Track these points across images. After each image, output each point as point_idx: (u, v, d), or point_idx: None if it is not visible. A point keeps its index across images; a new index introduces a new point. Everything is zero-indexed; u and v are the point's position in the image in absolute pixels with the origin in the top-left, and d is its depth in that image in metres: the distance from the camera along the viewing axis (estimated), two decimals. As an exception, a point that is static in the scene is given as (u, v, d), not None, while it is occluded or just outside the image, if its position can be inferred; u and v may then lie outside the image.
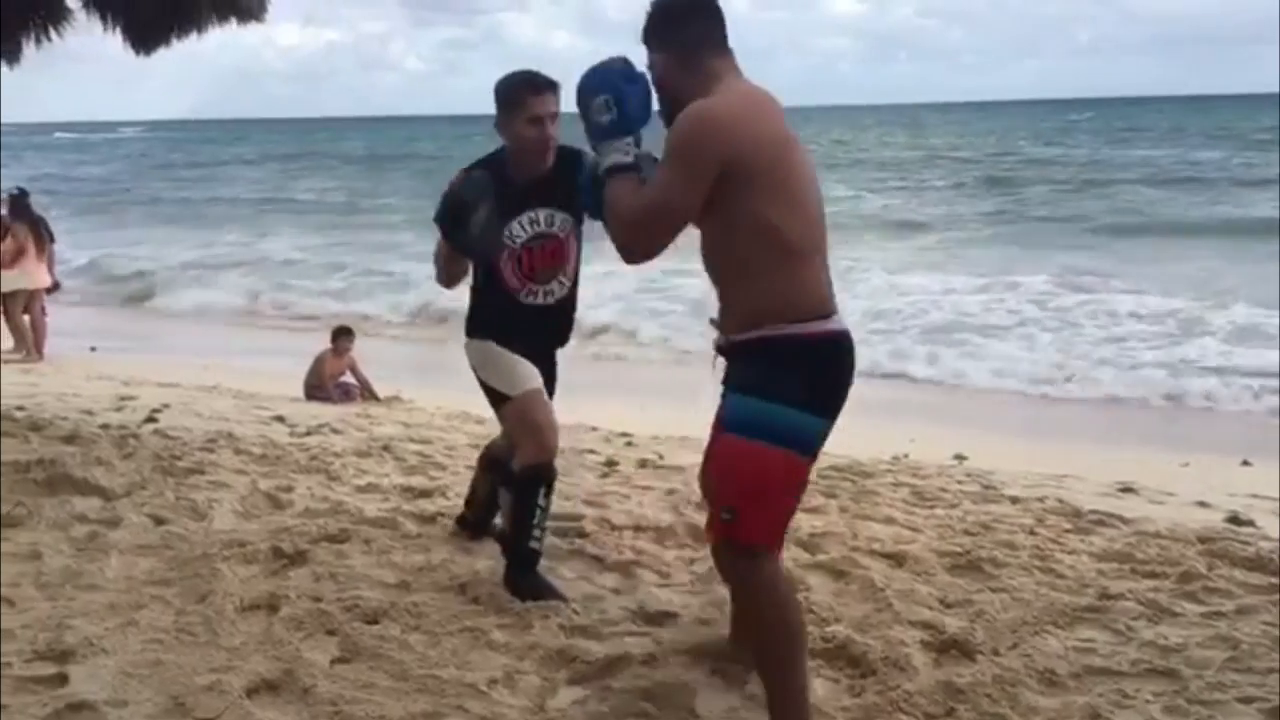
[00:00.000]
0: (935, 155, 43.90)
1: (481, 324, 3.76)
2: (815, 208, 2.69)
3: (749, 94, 2.70)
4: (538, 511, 3.65)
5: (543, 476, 3.65)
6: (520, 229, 3.63)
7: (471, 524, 4.28)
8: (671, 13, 2.75)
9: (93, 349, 12.28)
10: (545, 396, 3.71)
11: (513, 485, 3.69)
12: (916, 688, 2.99)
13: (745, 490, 2.61)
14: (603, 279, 10.27)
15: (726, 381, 2.74)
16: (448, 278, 3.66)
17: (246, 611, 3.51)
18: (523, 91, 3.53)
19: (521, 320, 3.71)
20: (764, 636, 2.69)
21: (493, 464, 4.11)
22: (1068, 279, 15.69)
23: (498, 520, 4.10)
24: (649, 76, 2.76)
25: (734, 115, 2.60)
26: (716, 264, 2.69)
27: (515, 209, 3.60)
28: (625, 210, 2.63)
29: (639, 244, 2.62)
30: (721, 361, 2.78)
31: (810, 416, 2.60)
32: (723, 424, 2.69)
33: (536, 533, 3.67)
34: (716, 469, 2.75)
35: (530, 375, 3.68)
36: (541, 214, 3.65)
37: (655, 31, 2.76)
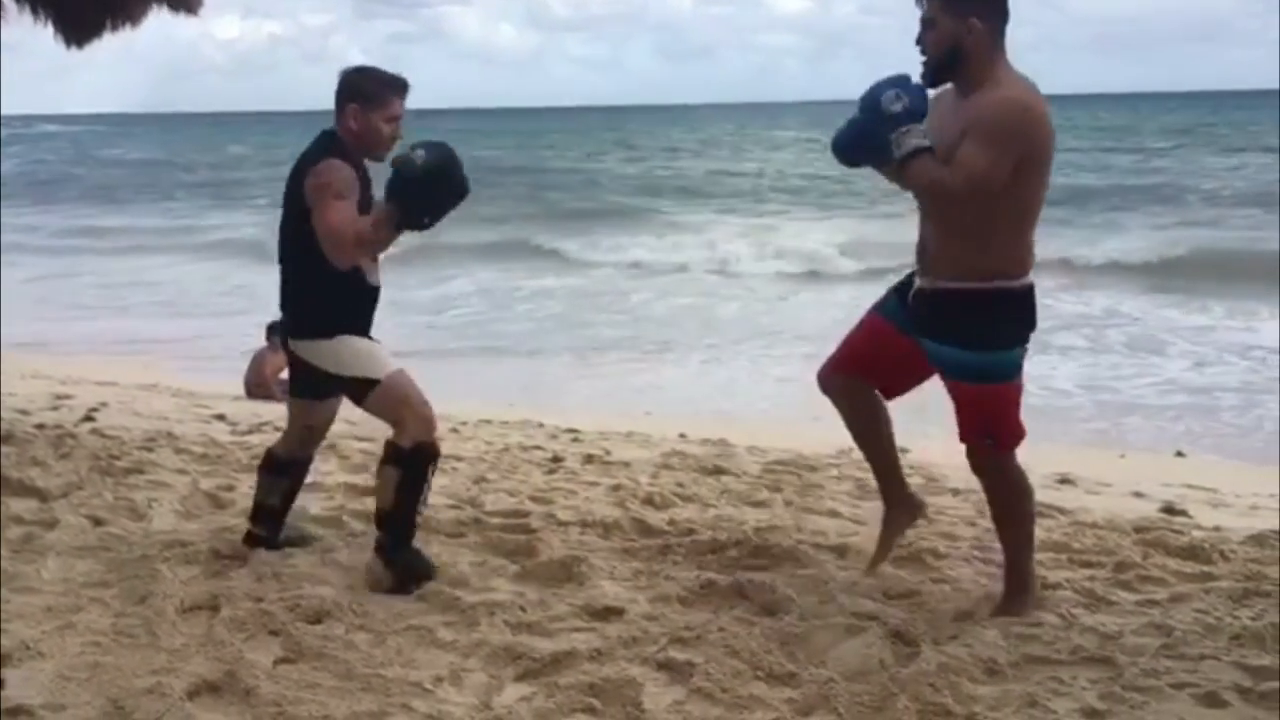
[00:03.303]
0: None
1: (333, 317, 3.74)
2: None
3: (1037, 90, 3.29)
4: (425, 487, 3.74)
5: (434, 451, 3.75)
6: None
7: (266, 538, 4.06)
8: None
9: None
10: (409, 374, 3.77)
11: (403, 463, 3.70)
12: (861, 679, 3.02)
13: (995, 420, 3.41)
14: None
15: (935, 325, 3.40)
16: (361, 255, 3.68)
17: (187, 613, 3.47)
18: (388, 92, 3.76)
19: (366, 303, 3.83)
20: (1015, 510, 3.52)
21: (281, 467, 4.08)
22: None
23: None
24: (938, 32, 3.27)
25: (1043, 113, 3.26)
26: (957, 217, 3.29)
27: (371, 187, 3.76)
28: (949, 180, 3.18)
29: (960, 204, 3.22)
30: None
31: (1016, 350, 3.39)
32: (956, 374, 3.41)
33: (423, 508, 3.78)
34: (968, 411, 3.44)
35: (389, 356, 3.78)
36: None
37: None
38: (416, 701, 2.91)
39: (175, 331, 13.54)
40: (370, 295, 3.84)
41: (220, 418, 7.18)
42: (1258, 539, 4.37)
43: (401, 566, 3.70)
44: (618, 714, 2.88)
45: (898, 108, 3.20)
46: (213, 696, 2.95)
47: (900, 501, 3.84)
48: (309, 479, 5.14)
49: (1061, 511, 4.86)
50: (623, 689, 2.97)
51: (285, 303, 3.85)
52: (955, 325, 3.37)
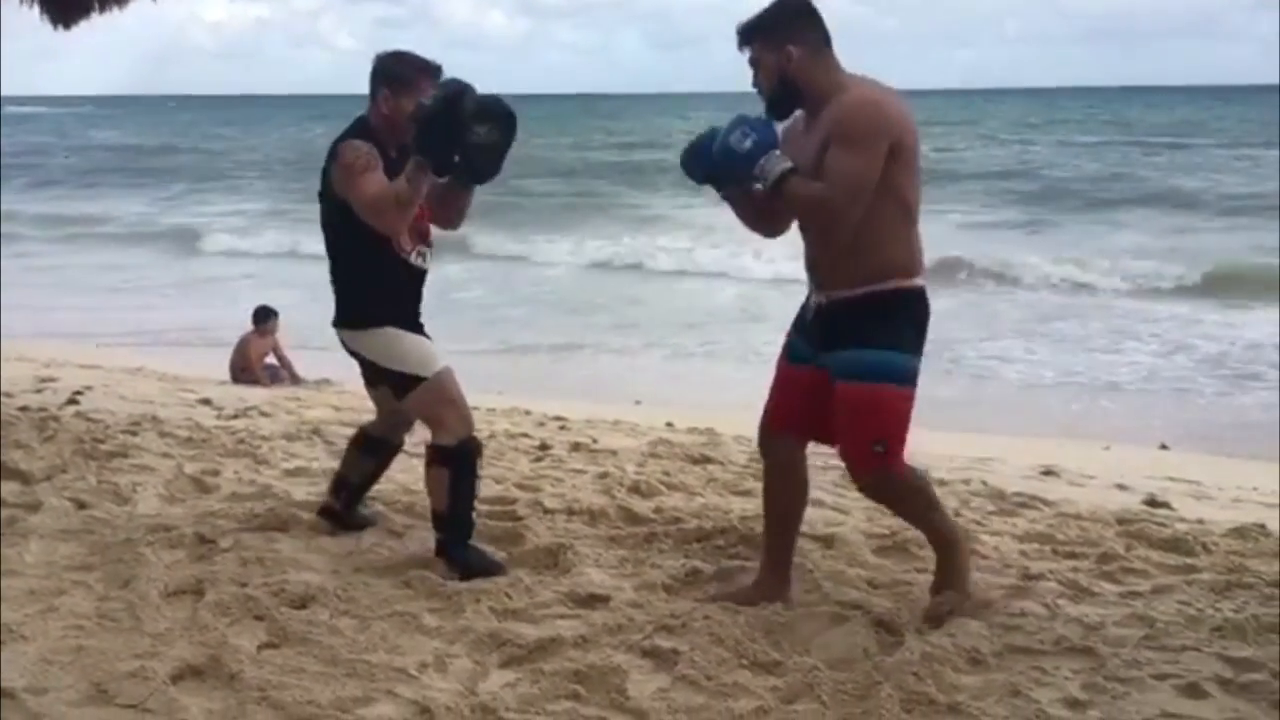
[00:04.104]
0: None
1: (378, 307, 3.72)
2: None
3: (884, 85, 3.28)
4: (476, 482, 3.75)
5: (477, 445, 3.76)
6: None
7: (339, 513, 4.11)
8: (803, 10, 3.30)
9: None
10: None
11: (450, 462, 3.69)
12: (845, 667, 3.03)
13: (889, 425, 3.29)
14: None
15: (835, 334, 3.29)
16: (405, 213, 3.57)
17: (171, 597, 3.46)
18: (421, 77, 3.69)
19: (413, 289, 3.80)
20: (924, 514, 3.46)
21: (371, 446, 4.09)
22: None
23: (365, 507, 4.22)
24: (764, 69, 3.29)
25: (895, 103, 3.23)
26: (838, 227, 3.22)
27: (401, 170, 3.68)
28: (827, 195, 3.17)
29: (848, 217, 3.17)
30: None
31: (915, 358, 3.30)
32: (851, 374, 3.26)
33: (474, 505, 3.77)
34: (860, 415, 3.29)
35: (439, 353, 3.76)
36: None
37: (786, 26, 3.27)
38: (401, 687, 2.91)
39: (161, 316, 13.50)
40: (415, 280, 3.79)
41: (206, 402, 7.17)
42: (1240, 532, 4.40)
43: (463, 563, 3.69)
44: (602, 701, 2.89)
45: (748, 144, 3.21)
46: (196, 680, 2.94)
47: (779, 579, 3.56)
48: (292, 464, 5.18)
49: (1045, 503, 4.88)
50: (607, 676, 2.97)
51: (334, 290, 3.83)
52: (853, 328, 3.28)
